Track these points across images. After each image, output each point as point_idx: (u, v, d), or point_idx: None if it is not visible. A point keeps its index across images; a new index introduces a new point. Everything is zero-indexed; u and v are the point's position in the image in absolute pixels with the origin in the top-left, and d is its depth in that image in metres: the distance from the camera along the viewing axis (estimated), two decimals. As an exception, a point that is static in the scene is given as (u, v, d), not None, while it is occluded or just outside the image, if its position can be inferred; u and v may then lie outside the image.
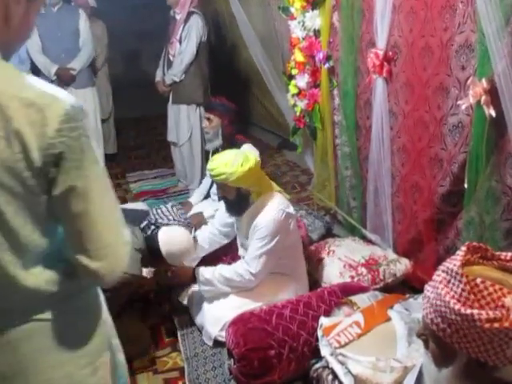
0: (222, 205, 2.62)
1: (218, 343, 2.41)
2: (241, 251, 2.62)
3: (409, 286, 2.65)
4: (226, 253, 2.80)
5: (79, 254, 1.03)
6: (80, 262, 1.03)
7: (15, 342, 1.06)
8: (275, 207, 2.33)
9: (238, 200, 2.39)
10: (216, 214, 2.85)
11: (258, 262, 2.34)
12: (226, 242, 2.75)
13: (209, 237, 2.74)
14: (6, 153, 0.90)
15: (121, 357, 1.36)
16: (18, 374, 1.09)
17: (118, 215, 1.09)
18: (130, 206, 3.48)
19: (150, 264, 2.46)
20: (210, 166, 2.35)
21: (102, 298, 1.25)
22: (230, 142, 3.16)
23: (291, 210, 2.42)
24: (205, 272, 2.44)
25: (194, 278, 2.47)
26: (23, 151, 0.90)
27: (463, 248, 1.07)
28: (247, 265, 2.38)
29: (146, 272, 2.54)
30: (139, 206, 3.46)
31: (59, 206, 0.99)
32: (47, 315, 1.08)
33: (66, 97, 0.95)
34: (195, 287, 2.57)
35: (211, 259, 2.72)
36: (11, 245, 0.98)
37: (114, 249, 1.06)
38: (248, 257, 2.38)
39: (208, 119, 3.25)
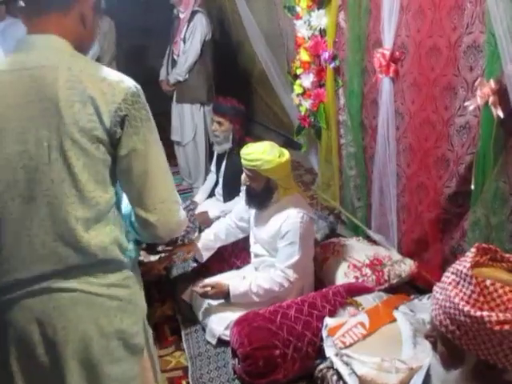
0: (240, 199, 2.61)
1: (221, 342, 2.40)
2: (254, 248, 2.60)
3: (413, 286, 2.64)
4: (238, 256, 2.80)
5: (138, 208, 1.24)
6: (140, 214, 1.24)
7: (63, 307, 1.20)
8: (300, 210, 2.34)
9: (264, 192, 2.38)
10: (225, 211, 2.83)
11: (294, 268, 2.34)
12: (241, 236, 2.71)
13: (226, 228, 2.70)
14: (81, 113, 1.12)
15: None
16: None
17: (170, 176, 1.31)
18: None
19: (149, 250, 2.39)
20: (245, 150, 2.35)
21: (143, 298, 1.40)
22: (240, 145, 3.15)
23: (312, 214, 2.44)
24: (240, 286, 2.38)
25: (228, 294, 2.39)
26: (95, 113, 1.12)
27: (472, 249, 1.06)
28: (284, 273, 2.35)
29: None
30: None
31: (123, 165, 1.20)
32: (97, 287, 1.22)
33: (130, 79, 1.20)
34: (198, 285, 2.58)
35: (223, 263, 2.72)
36: (77, 197, 1.15)
37: (167, 205, 1.26)
38: (282, 265, 2.35)
39: (219, 123, 3.21)
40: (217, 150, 3.36)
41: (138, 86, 1.20)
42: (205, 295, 2.40)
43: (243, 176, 2.44)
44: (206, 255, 2.64)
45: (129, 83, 1.18)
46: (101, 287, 1.23)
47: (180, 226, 1.32)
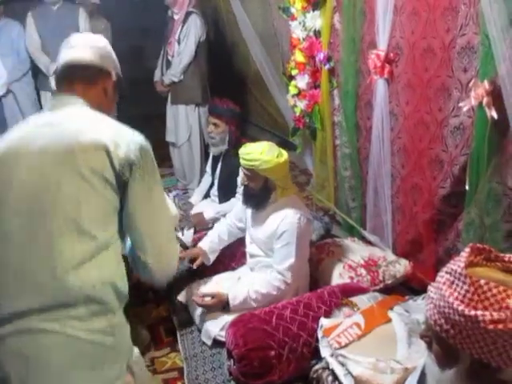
0: (235, 200, 2.60)
1: (217, 343, 2.40)
2: (249, 248, 2.60)
3: (408, 287, 2.65)
4: (234, 257, 2.80)
5: (138, 250, 1.35)
6: (139, 256, 1.35)
7: (37, 349, 1.20)
8: (297, 211, 2.34)
9: (262, 192, 2.39)
10: (220, 212, 2.84)
11: (291, 270, 2.34)
12: (241, 236, 2.71)
13: (228, 229, 2.71)
14: (94, 157, 1.26)
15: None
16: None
17: (171, 224, 1.49)
18: None
19: None
20: (243, 150, 2.35)
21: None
22: (235, 147, 3.15)
23: (310, 215, 2.45)
24: (239, 295, 2.38)
25: (227, 304, 2.39)
26: (107, 158, 1.26)
27: (467, 249, 1.07)
28: (281, 275, 2.36)
29: None
30: None
31: (127, 209, 1.32)
32: (75, 330, 1.21)
33: (140, 135, 1.38)
34: (193, 286, 2.58)
35: (218, 264, 2.72)
36: (76, 232, 1.22)
37: (165, 249, 1.38)
38: (279, 266, 2.36)
39: (214, 124, 3.22)
40: (213, 151, 3.36)
41: (148, 143, 1.38)
42: (204, 306, 2.40)
43: (241, 175, 2.44)
44: (212, 258, 2.66)
45: (140, 138, 1.37)
46: (84, 331, 1.22)
47: (174, 269, 1.46)
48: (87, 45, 1.47)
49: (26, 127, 1.37)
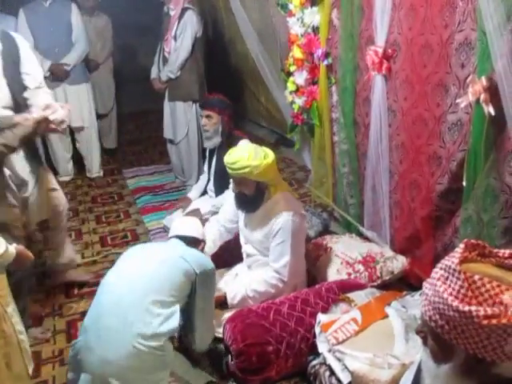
0: (226, 201, 2.59)
1: (214, 339, 2.40)
2: (245, 248, 2.61)
3: (406, 283, 2.66)
4: (230, 254, 2.79)
5: (190, 332, 2.13)
6: (191, 338, 2.14)
7: None
8: (290, 208, 2.32)
9: (256, 195, 2.36)
10: (220, 209, 2.84)
11: (287, 268, 2.34)
12: (230, 238, 2.73)
13: (219, 234, 2.71)
14: (174, 271, 1.99)
15: None
16: None
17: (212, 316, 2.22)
18: None
19: None
20: (229, 159, 2.28)
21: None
22: (229, 139, 3.16)
23: (303, 211, 2.44)
24: (237, 293, 2.41)
25: (225, 303, 2.42)
26: (184, 274, 1.98)
27: (461, 245, 1.07)
28: (277, 274, 2.37)
29: None
30: None
31: (190, 304, 2.03)
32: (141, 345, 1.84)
33: (209, 261, 2.14)
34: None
35: (215, 261, 2.70)
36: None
37: (204, 335, 2.17)
38: (276, 265, 2.37)
39: (207, 117, 3.23)
40: (208, 145, 3.37)
41: (212, 267, 2.09)
42: None
43: (232, 184, 2.42)
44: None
45: (209, 264, 2.09)
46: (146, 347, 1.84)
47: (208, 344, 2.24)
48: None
49: None
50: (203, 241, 2.34)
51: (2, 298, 1.65)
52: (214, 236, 2.69)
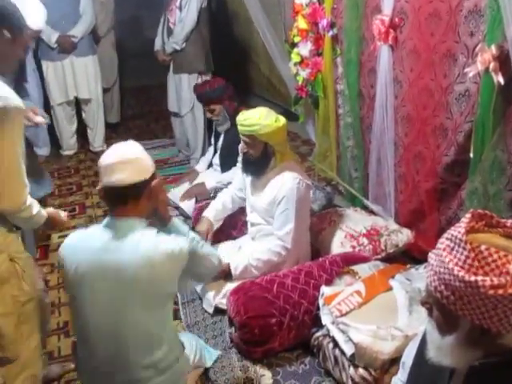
0: (236, 169, 2.60)
1: (218, 311, 2.43)
2: (250, 217, 2.61)
3: (410, 256, 2.65)
4: (235, 226, 2.81)
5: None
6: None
7: None
8: (296, 176, 2.33)
9: (262, 158, 2.38)
10: (221, 182, 2.83)
11: (291, 235, 2.35)
12: (244, 204, 2.71)
13: (232, 197, 2.72)
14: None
15: None
16: None
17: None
18: None
19: None
20: (241, 117, 2.34)
21: None
22: (235, 117, 3.12)
23: (309, 181, 2.43)
24: (239, 264, 2.41)
25: (228, 273, 2.42)
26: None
27: (468, 215, 1.05)
28: (281, 241, 2.37)
29: None
30: None
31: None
32: None
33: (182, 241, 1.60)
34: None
35: (219, 233, 2.72)
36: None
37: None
38: (279, 232, 2.38)
39: (210, 110, 3.23)
40: (221, 130, 3.33)
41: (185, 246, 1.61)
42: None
43: (241, 144, 2.43)
44: (216, 226, 2.66)
45: (184, 244, 1.58)
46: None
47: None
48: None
49: None
50: (153, 174, 1.57)
51: (19, 259, 1.69)
52: (223, 200, 2.71)
